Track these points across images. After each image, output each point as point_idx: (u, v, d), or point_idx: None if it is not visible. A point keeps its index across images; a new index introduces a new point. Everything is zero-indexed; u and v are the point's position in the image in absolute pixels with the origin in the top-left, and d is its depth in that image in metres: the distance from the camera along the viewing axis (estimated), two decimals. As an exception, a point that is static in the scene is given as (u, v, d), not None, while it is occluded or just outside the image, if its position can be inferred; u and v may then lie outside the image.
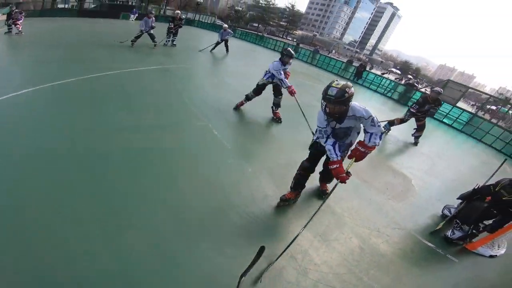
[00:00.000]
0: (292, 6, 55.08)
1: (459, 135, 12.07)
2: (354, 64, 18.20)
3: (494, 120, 16.37)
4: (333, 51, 55.09)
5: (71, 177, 2.69)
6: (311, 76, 13.53)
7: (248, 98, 5.62)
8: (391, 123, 7.00)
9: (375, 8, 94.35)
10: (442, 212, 3.96)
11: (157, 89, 5.78)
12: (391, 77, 26.67)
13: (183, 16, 17.45)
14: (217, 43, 12.26)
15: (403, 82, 18.62)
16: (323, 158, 3.05)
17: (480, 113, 24.57)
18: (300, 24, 58.17)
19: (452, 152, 8.79)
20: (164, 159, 3.33)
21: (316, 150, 2.92)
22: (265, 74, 5.34)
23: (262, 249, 2.35)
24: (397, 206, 3.91)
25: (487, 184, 3.49)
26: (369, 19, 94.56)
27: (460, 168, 7.04)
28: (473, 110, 24.95)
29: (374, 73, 16.87)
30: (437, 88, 7.40)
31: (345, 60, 20.71)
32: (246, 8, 55.03)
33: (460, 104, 16.98)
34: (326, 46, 57.02)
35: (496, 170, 4.10)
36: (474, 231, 3.37)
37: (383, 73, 26.68)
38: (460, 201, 3.77)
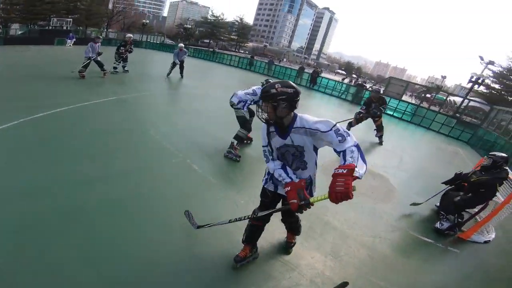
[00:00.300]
0: (241, 19, 56.39)
1: (410, 126, 13.30)
2: (306, 70, 19.16)
3: (434, 108, 18.47)
4: (284, 59, 57.63)
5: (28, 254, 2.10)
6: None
7: (241, 139, 4.64)
8: (350, 125, 7.36)
9: (315, 14, 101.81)
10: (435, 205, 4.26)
11: (118, 125, 5.06)
12: (341, 78, 28.54)
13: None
14: (174, 65, 11.32)
15: (353, 83, 20.07)
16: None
17: (416, 101, 27.59)
18: (249, 36, 59.76)
19: (410, 144, 9.59)
20: (148, 211, 2.82)
21: (266, 198, 2.21)
22: (240, 104, 4.42)
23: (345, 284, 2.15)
24: (387, 208, 4.03)
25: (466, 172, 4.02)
26: (311, 25, 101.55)
27: (422, 158, 7.67)
28: (412, 101, 27.82)
29: (327, 78, 17.93)
30: (376, 88, 8.15)
31: (297, 67, 21.64)
32: (194, 25, 54.75)
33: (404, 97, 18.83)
34: (277, 55, 59.37)
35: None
36: (459, 219, 3.66)
37: (343, 79, 28.20)
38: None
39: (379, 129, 7.35)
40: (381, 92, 7.21)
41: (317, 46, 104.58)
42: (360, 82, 18.54)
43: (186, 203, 2.95)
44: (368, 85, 18.11)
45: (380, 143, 7.43)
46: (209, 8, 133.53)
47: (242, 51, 54.42)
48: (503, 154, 3.62)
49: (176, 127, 5.48)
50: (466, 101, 18.23)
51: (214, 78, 14.00)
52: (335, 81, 17.40)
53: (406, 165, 6.35)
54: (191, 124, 5.79)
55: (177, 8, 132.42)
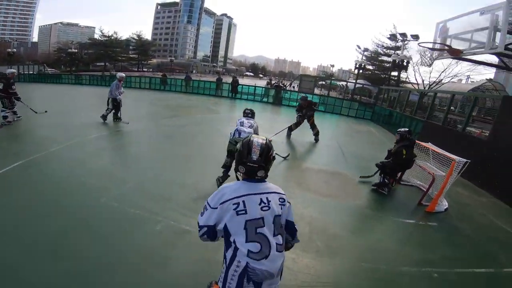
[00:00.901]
0: (138, 36, 52.01)
1: (326, 115, 15.16)
2: (224, 81, 19.43)
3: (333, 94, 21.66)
4: (194, 71, 56.76)
5: None
6: (199, 107, 13.33)
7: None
8: (290, 129, 8.24)
9: (214, 21, 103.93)
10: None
11: (44, 205, 3.40)
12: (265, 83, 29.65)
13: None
14: (114, 102, 8.02)
15: (270, 86, 21.47)
16: None
17: (323, 92, 31.72)
18: (151, 52, 55.76)
19: (338, 133, 10.93)
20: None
21: None
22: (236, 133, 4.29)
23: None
24: (361, 203, 4.52)
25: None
26: (212, 32, 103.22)
27: (353, 144, 8.85)
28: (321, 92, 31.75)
29: (247, 85, 18.66)
30: (303, 96, 9.35)
31: (211, 78, 21.62)
32: (79, 48, 47.31)
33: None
34: (185, 68, 57.89)
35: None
36: (385, 179, 4.96)
37: (274, 83, 28.70)
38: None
39: (313, 127, 8.23)
40: (308, 98, 8.24)
41: (221, 52, 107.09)
42: (277, 84, 19.93)
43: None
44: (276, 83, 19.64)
45: (316, 140, 8.25)
46: (93, 28, 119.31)
47: (146, 69, 50.63)
48: (405, 129, 5.05)
49: (130, 182, 4.26)
50: (353, 84, 22.30)
51: (140, 109, 11.94)
52: (254, 86, 18.21)
53: (347, 155, 7.22)
54: (147, 174, 4.65)
55: (50, 32, 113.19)
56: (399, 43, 32.06)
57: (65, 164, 4.79)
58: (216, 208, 1.42)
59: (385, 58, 34.18)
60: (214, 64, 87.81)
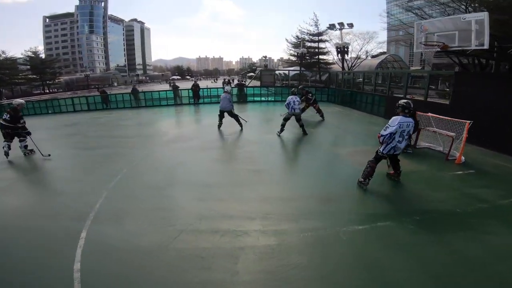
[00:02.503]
0: (35, 53, 42.43)
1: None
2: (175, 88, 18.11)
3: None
4: (115, 84, 50.58)
5: None
6: (183, 120, 12.29)
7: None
8: (302, 110, 9.24)
9: (123, 28, 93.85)
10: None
11: None
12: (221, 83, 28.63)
13: None
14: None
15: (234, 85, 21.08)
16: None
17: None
18: (56, 69, 46.38)
19: (329, 118, 11.53)
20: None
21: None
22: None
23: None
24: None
25: None
26: (123, 40, 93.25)
27: (343, 122, 9.76)
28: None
29: (207, 88, 17.98)
30: (301, 86, 11.42)
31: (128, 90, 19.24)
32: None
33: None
34: (103, 81, 50.97)
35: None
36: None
37: (223, 82, 27.40)
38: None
39: (319, 111, 10.41)
40: (305, 89, 11.00)
41: (138, 59, 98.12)
42: (239, 82, 19.74)
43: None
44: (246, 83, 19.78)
45: (323, 119, 10.37)
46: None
47: (55, 90, 42.40)
48: (405, 100, 4.84)
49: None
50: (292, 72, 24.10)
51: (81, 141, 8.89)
52: (215, 88, 17.71)
53: (354, 134, 8.08)
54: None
55: None
56: (321, 30, 35.93)
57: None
58: (394, 126, 4.15)
59: (311, 44, 37.61)
60: (138, 74, 79.91)
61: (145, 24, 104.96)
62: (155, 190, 4.63)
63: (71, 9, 79.96)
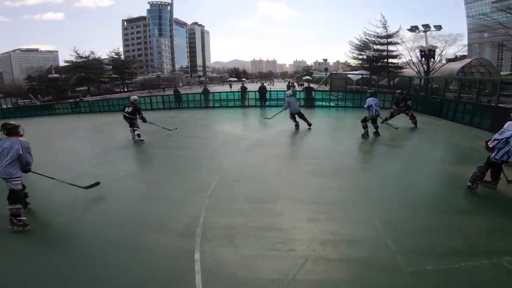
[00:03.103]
0: (117, 53, 48.81)
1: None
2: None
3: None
4: (180, 84, 54.64)
5: None
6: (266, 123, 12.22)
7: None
8: (386, 119, 9.19)
9: (187, 31, 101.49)
10: None
11: None
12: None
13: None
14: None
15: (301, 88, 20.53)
16: None
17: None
18: (134, 69, 52.54)
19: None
20: None
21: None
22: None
23: None
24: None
25: None
26: (186, 42, 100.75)
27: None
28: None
29: (275, 91, 17.74)
30: (398, 91, 10.20)
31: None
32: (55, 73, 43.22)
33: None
34: (171, 82, 55.60)
35: None
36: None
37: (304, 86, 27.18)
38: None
39: (412, 118, 9.40)
40: (403, 93, 9.83)
41: (199, 61, 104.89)
42: (307, 86, 19.09)
43: None
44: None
45: (415, 126, 9.36)
46: (55, 52, 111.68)
47: (131, 88, 47.76)
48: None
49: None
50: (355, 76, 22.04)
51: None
52: (282, 91, 17.34)
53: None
54: None
55: (10, 60, 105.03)
56: (391, 31, 32.92)
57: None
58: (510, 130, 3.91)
59: (379, 47, 34.78)
60: (200, 75, 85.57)
61: (204, 28, 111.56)
62: (258, 204, 4.23)
63: (144, 13, 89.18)
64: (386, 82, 30.56)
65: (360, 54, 37.38)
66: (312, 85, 19.53)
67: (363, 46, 35.93)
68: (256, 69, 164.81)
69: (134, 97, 8.97)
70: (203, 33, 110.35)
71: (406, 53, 30.81)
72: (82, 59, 42.61)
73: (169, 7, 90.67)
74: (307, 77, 64.87)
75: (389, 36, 33.18)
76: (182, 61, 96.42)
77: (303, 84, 25.95)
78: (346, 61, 38.52)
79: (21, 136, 3.89)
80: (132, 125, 8.22)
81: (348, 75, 30.74)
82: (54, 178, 4.51)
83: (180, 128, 10.78)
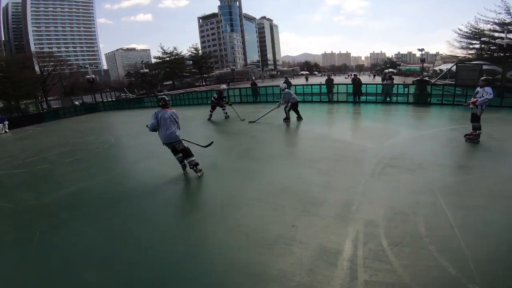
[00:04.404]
0: (196, 49, 51.90)
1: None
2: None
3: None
4: (253, 78, 54.60)
5: None
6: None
7: None
8: None
9: (256, 26, 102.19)
10: None
11: None
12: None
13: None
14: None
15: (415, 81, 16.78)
16: None
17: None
18: (212, 64, 55.27)
19: None
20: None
21: None
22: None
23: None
24: None
25: None
26: (257, 37, 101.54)
27: None
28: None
29: (365, 84, 14.52)
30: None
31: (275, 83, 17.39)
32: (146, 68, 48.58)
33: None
34: (244, 75, 56.27)
35: None
36: None
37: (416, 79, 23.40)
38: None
39: None
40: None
41: (269, 55, 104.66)
42: (421, 78, 15.16)
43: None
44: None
45: None
46: (148, 50, 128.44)
47: (209, 83, 50.01)
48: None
49: None
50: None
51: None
52: (379, 84, 14.05)
53: None
54: None
55: (114, 58, 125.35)
56: None
57: None
58: None
59: (496, 34, 26.97)
60: (271, 68, 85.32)
61: (273, 21, 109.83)
62: None
63: (216, 10, 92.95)
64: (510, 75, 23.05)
65: (471, 44, 29.90)
66: (392, 77, 15.41)
67: (475, 35, 28.38)
68: (327, 62, 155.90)
69: (223, 86, 12.10)
70: (271, 27, 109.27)
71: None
72: (167, 55, 46.44)
73: (237, 2, 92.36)
74: (391, 69, 56.47)
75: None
76: (253, 55, 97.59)
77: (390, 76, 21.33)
78: (453, 52, 31.04)
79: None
80: (222, 106, 11.36)
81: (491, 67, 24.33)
82: (190, 141, 5.57)
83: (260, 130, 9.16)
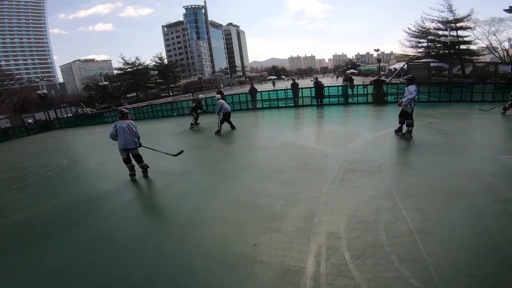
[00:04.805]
0: (161, 58, 50.17)
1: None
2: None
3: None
4: (221, 85, 54.20)
5: None
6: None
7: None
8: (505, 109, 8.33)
9: (223, 33, 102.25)
10: None
11: None
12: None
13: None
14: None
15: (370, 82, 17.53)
16: None
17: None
18: (179, 73, 53.70)
19: None
20: None
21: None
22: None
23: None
24: None
25: None
26: (224, 44, 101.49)
27: None
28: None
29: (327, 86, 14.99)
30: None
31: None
32: (106, 81, 45.71)
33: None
34: (213, 83, 55.60)
35: None
36: None
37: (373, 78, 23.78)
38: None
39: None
40: None
41: (237, 62, 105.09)
42: (377, 78, 15.85)
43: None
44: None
45: None
46: (109, 61, 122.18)
47: (176, 93, 48.48)
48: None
49: None
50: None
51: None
52: (340, 86, 14.56)
53: None
54: None
55: (71, 71, 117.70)
56: (460, 15, 27.55)
57: None
58: None
59: (440, 32, 29.63)
60: (240, 75, 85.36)
61: (240, 27, 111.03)
62: None
63: (181, 18, 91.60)
64: (456, 71, 25.51)
65: (419, 42, 32.49)
66: (351, 78, 16.23)
67: (422, 34, 30.96)
68: (294, 66, 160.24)
69: (201, 96, 12.88)
70: (238, 33, 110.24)
71: (483, 38, 25.70)
72: (129, 66, 44.28)
73: (203, 10, 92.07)
74: (352, 70, 59.56)
75: (458, 20, 27.91)
76: (221, 62, 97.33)
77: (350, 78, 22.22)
78: (404, 51, 33.47)
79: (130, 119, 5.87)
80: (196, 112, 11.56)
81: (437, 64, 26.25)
82: (155, 150, 6.31)
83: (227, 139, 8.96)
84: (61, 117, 25.37)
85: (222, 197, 4.44)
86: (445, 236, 2.87)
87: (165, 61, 53.89)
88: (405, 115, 6.50)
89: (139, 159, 5.80)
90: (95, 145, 11.79)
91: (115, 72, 49.42)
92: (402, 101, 6.51)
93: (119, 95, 42.29)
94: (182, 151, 6.47)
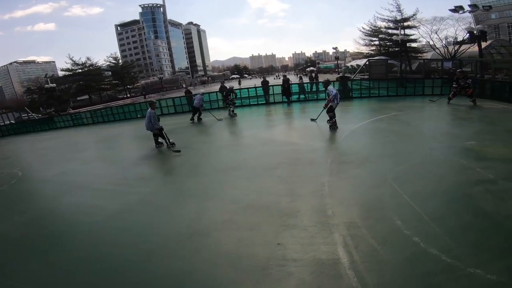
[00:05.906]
0: (115, 58, 46.31)
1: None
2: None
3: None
4: (183, 85, 52.24)
5: None
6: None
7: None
8: (449, 99, 9.61)
9: (183, 32, 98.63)
10: None
11: None
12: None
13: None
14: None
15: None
16: None
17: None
18: (137, 73, 49.95)
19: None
20: None
21: None
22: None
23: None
24: None
25: None
26: (184, 43, 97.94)
27: None
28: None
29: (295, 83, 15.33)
30: (459, 70, 9.81)
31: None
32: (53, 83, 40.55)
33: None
34: (175, 83, 53.23)
35: None
36: None
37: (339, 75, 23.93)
38: None
39: (472, 96, 9.12)
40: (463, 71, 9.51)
41: (198, 61, 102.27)
42: (343, 75, 16.53)
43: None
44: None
45: (474, 104, 9.03)
46: (53, 62, 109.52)
47: (133, 94, 45.34)
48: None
49: None
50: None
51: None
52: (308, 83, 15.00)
53: None
54: None
55: (8, 73, 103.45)
56: (407, 15, 30.38)
57: None
58: None
59: (392, 31, 32.38)
60: (202, 74, 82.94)
61: (200, 27, 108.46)
62: None
63: (137, 17, 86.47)
64: (405, 67, 28.14)
65: (372, 41, 35.10)
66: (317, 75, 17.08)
67: (375, 32, 33.53)
68: (256, 65, 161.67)
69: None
70: (199, 32, 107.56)
71: (426, 36, 28.79)
72: (79, 66, 40.19)
73: (161, 8, 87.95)
74: (311, 68, 62.17)
75: (405, 19, 30.77)
76: (182, 62, 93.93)
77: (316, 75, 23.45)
78: (359, 49, 35.84)
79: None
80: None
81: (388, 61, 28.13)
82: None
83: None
84: (2, 124, 21.96)
85: (222, 199, 4.21)
86: (445, 213, 3.07)
87: (120, 61, 50.07)
88: (331, 110, 7.44)
89: (157, 138, 7.74)
90: (50, 153, 10.45)
91: (62, 73, 44.41)
92: (327, 103, 7.48)
93: (68, 98, 38.05)
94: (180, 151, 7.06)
